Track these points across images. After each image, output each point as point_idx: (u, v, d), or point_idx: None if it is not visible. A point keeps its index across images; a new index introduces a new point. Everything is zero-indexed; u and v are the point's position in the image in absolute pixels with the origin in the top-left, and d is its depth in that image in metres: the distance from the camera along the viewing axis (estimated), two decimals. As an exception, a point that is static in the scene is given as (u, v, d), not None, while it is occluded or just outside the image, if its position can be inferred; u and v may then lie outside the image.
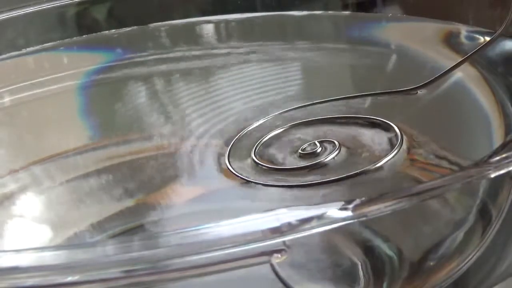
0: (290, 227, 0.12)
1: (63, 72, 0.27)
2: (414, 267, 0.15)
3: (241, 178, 0.20)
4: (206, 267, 0.12)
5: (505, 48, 0.22)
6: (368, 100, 0.22)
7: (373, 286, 0.15)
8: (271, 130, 0.22)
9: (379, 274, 0.15)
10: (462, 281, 0.15)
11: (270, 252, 0.12)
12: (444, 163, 0.19)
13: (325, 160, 0.20)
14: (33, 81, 0.26)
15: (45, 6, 0.28)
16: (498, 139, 0.19)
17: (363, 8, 0.28)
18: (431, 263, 0.15)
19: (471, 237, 0.15)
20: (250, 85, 0.25)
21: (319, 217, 0.12)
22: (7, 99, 0.26)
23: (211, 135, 0.22)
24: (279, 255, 0.12)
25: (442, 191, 0.13)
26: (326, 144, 0.20)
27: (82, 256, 0.12)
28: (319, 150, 0.20)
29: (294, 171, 0.20)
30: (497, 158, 0.13)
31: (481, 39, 0.23)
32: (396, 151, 0.19)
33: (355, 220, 0.12)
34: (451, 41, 0.24)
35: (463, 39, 0.24)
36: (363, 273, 0.15)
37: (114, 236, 0.19)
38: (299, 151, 0.20)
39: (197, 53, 0.27)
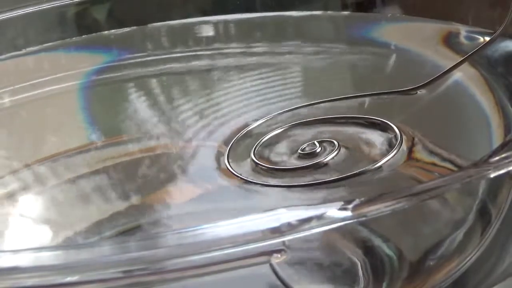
0: (290, 227, 0.12)
1: (63, 72, 0.27)
2: (414, 267, 0.15)
3: (240, 178, 0.20)
4: (206, 267, 0.12)
5: (505, 48, 0.22)
6: (368, 100, 0.22)
7: (373, 286, 0.15)
8: (271, 130, 0.22)
9: (379, 274, 0.15)
10: (462, 281, 0.15)
11: (270, 252, 0.12)
12: (444, 163, 0.19)
13: (325, 160, 0.20)
14: (33, 82, 0.26)
15: (45, 6, 0.28)
16: (498, 139, 0.19)
17: (363, 8, 0.28)
18: (431, 263, 0.15)
19: (471, 237, 0.15)
20: (249, 85, 0.25)
21: (319, 217, 0.12)
22: (7, 100, 0.26)
23: (210, 135, 0.22)
24: (279, 255, 0.12)
25: (442, 191, 0.13)
26: (325, 144, 0.20)
27: (81, 256, 0.12)
28: (318, 150, 0.20)
29: (293, 171, 0.20)
30: (497, 158, 0.13)
31: (481, 39, 0.23)
32: (396, 151, 0.19)
33: (355, 220, 0.12)
34: (451, 41, 0.24)
35: (463, 39, 0.24)
36: (363, 273, 0.15)
37: (113, 236, 0.19)
38: (299, 151, 0.20)
39: (196, 53, 0.27)
